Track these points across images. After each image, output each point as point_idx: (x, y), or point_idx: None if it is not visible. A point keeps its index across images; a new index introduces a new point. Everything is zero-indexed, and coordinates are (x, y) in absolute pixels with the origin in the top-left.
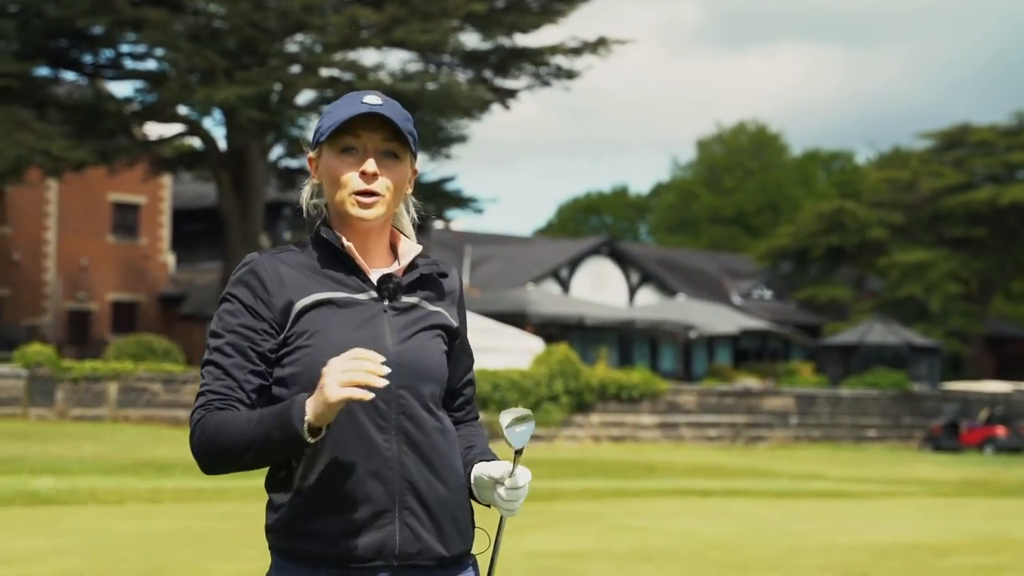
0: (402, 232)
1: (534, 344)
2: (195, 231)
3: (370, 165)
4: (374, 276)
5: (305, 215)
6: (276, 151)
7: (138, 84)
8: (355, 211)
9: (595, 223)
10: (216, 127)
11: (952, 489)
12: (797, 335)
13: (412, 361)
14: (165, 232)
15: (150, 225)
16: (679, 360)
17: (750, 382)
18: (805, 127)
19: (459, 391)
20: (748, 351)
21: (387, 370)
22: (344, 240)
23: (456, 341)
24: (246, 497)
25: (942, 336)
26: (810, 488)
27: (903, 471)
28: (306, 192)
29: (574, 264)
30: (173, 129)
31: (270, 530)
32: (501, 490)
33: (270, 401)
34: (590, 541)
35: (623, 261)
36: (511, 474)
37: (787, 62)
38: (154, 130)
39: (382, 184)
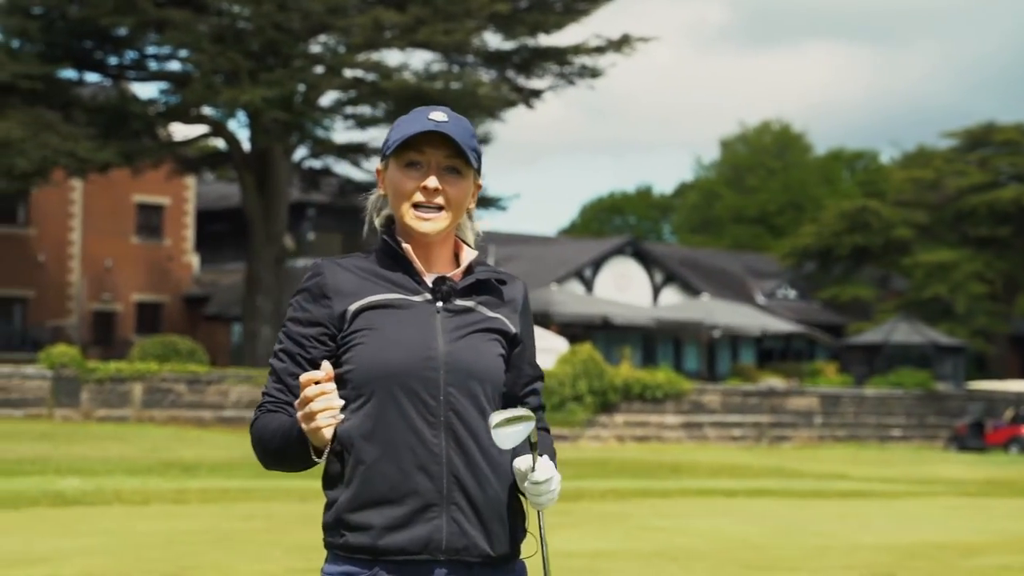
0: (465, 242)
1: (558, 344)
2: (219, 232)
3: (432, 181)
4: (431, 280)
5: (368, 223)
6: (300, 152)
7: (162, 85)
8: (416, 224)
9: (619, 223)
10: (240, 128)
11: (977, 489)
12: (821, 335)
13: (462, 361)
14: (189, 233)
15: (174, 226)
16: (703, 360)
17: (774, 382)
18: (831, 127)
19: (521, 399)
20: (772, 351)
21: (320, 375)
22: (402, 243)
23: (516, 348)
24: (271, 497)
25: (967, 335)
26: (835, 488)
27: (928, 471)
28: (371, 201)
29: (598, 264)
30: (197, 130)
31: (324, 526)
32: (526, 483)
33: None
34: (615, 541)
35: (647, 261)
36: (532, 469)
37: (813, 62)
38: (178, 131)
39: (443, 199)
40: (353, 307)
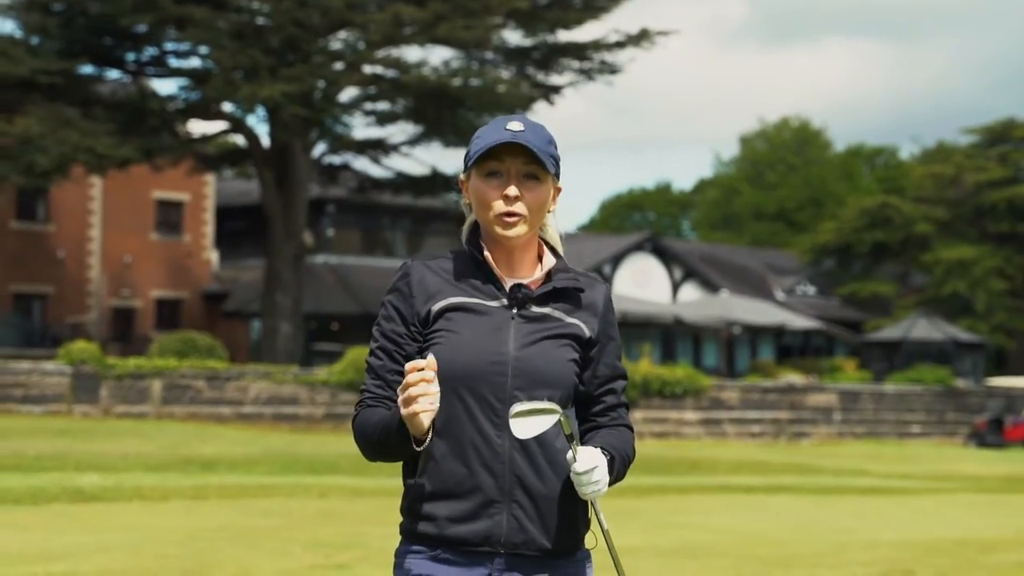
0: (550, 243)
1: None
2: (238, 228)
3: (512, 190)
4: (509, 286)
5: (464, 231)
6: (319, 148)
7: (182, 82)
8: (500, 231)
9: (638, 219)
10: (259, 124)
11: (997, 485)
12: (841, 331)
13: (530, 365)
14: (208, 229)
15: (194, 222)
16: (722, 356)
17: (793, 378)
18: (850, 123)
19: (596, 398)
20: (791, 347)
21: (423, 363)
22: (485, 251)
23: (592, 351)
24: (291, 494)
25: (987, 332)
26: (854, 484)
27: (947, 467)
28: (465, 210)
29: (617, 260)
30: (217, 127)
31: (400, 510)
32: (571, 474)
33: None
34: (634, 538)
35: (666, 257)
36: (573, 459)
37: (832, 58)
38: (198, 128)
39: (523, 206)
40: (435, 307)
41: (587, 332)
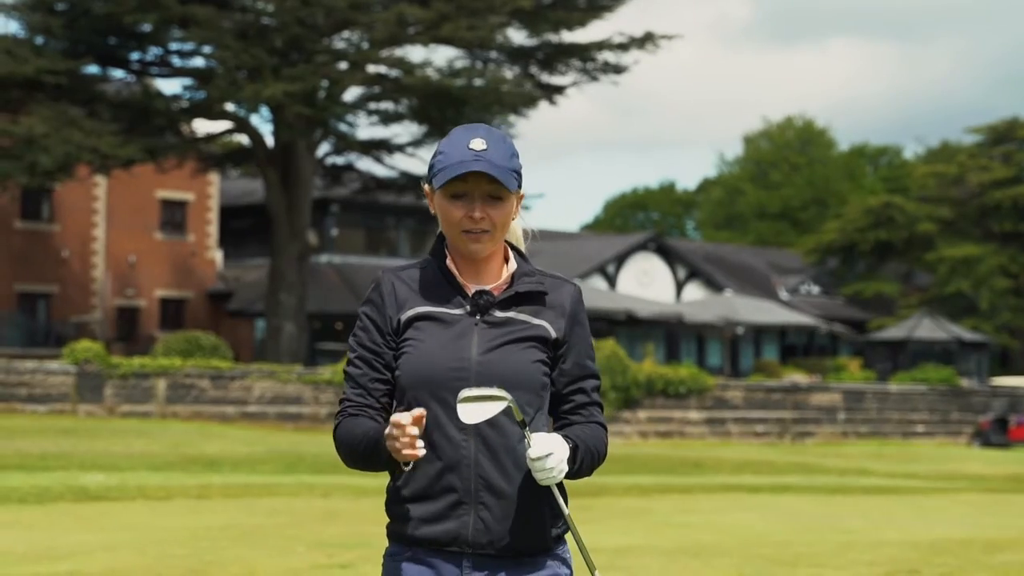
0: (518, 249)
1: None
2: (243, 228)
3: (477, 212)
4: (472, 292)
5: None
6: (323, 148)
7: (186, 81)
8: (466, 247)
9: (642, 219)
10: (263, 124)
11: (1001, 485)
12: (844, 331)
13: (492, 370)
14: (213, 229)
15: (198, 222)
16: (726, 356)
17: (797, 378)
18: (854, 123)
19: (566, 396)
20: (795, 347)
21: (407, 420)
22: (448, 260)
23: (560, 350)
24: (295, 493)
25: (991, 331)
26: (858, 484)
27: (952, 467)
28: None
29: (621, 260)
30: (221, 126)
31: (386, 513)
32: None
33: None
34: (638, 537)
35: (670, 257)
36: (528, 446)
37: (836, 58)
38: (202, 127)
39: (488, 223)
40: (404, 317)
41: (553, 333)
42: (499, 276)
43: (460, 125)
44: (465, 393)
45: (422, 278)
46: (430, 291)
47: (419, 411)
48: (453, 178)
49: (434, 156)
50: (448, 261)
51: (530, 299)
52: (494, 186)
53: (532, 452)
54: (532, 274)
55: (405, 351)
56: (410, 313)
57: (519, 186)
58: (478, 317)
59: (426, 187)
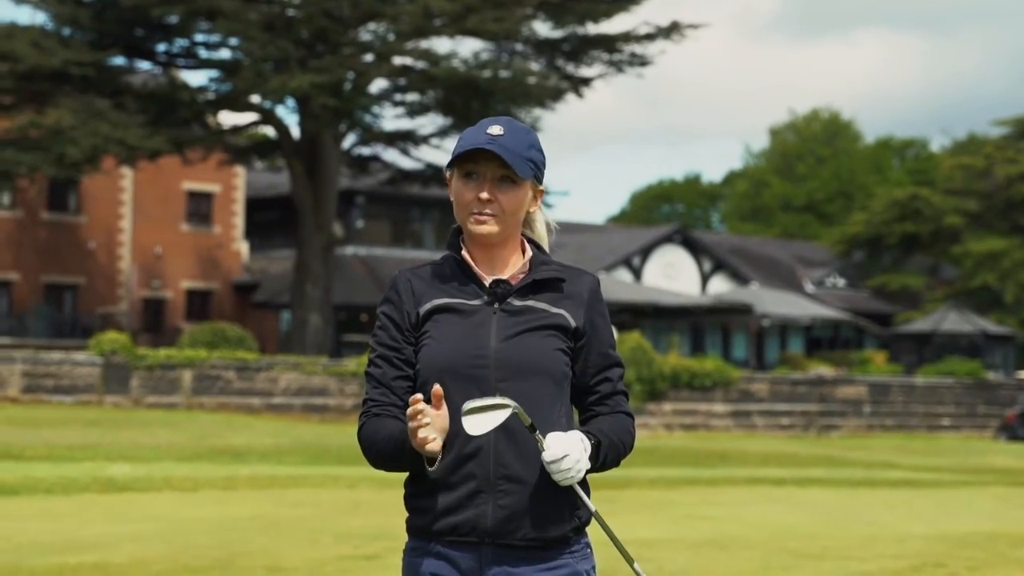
0: (536, 241)
1: None
2: (268, 219)
3: (484, 193)
4: (490, 282)
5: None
6: (349, 139)
7: (212, 73)
8: (472, 228)
9: (667, 211)
10: (289, 116)
11: None
12: (870, 324)
13: (512, 358)
14: (239, 220)
15: (224, 213)
16: (751, 348)
17: (823, 370)
18: (881, 116)
19: (591, 388)
20: (821, 340)
21: (420, 398)
22: (463, 252)
23: (581, 341)
24: (321, 484)
25: (1017, 324)
26: (884, 477)
27: (978, 460)
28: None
29: (646, 252)
30: (247, 118)
31: (405, 508)
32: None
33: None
34: (664, 529)
35: (695, 249)
36: (541, 449)
37: (863, 50)
38: (228, 119)
39: (496, 207)
40: (423, 311)
41: (572, 321)
42: (515, 266)
43: (487, 117)
44: (469, 405)
45: (438, 273)
46: (447, 283)
47: (435, 388)
48: (464, 159)
49: (457, 142)
50: (464, 252)
51: (548, 287)
52: (505, 170)
53: (546, 455)
54: (549, 263)
55: (424, 343)
56: (428, 306)
57: (537, 178)
58: (496, 306)
59: (447, 175)
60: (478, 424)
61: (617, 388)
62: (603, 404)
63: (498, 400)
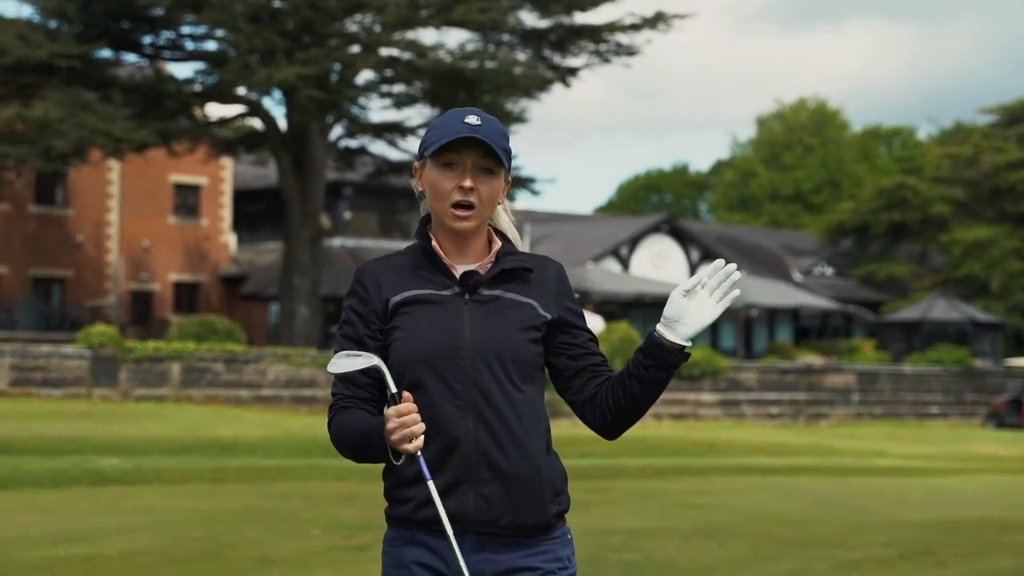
0: (503, 232)
1: (594, 322)
2: (256, 211)
3: (468, 181)
4: (459, 273)
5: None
6: (336, 131)
7: (199, 65)
8: (453, 223)
9: (655, 201)
10: (276, 108)
11: (1016, 465)
12: (859, 312)
13: (487, 346)
14: (226, 213)
15: (211, 206)
16: (740, 338)
17: (811, 359)
18: (871, 106)
19: (586, 367)
20: (809, 328)
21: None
22: (433, 242)
23: (558, 327)
24: (309, 476)
25: (1005, 312)
26: (873, 465)
27: (966, 448)
28: (419, 198)
29: (634, 242)
30: (233, 110)
31: (384, 498)
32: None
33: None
34: (654, 519)
35: (683, 239)
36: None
37: (853, 40)
38: (215, 111)
39: (476, 196)
40: (392, 303)
41: (541, 308)
42: (482, 256)
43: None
44: (337, 358)
45: (405, 263)
46: (416, 274)
47: (406, 397)
48: (446, 148)
49: (426, 133)
50: (433, 243)
51: (516, 277)
52: (487, 159)
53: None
54: (515, 253)
55: (396, 336)
56: (398, 298)
57: (509, 169)
58: (467, 296)
59: (415, 165)
60: (338, 365)
61: (603, 356)
62: (601, 374)
63: (366, 357)
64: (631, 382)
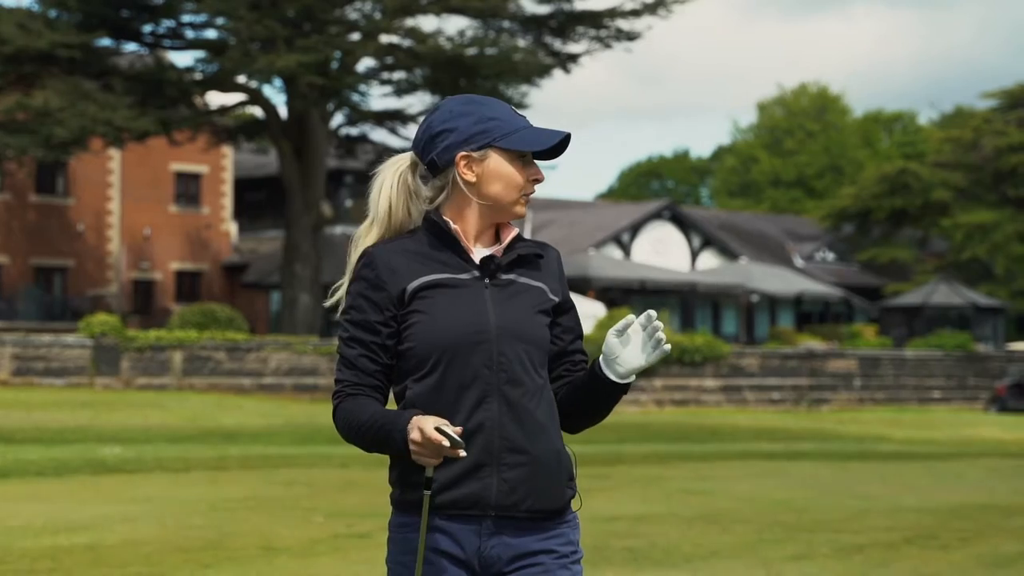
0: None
1: (596, 309)
2: (257, 200)
3: (540, 174)
4: (477, 257)
5: (431, 207)
6: (337, 119)
7: (199, 54)
8: (520, 210)
9: (656, 187)
10: (277, 95)
11: (1019, 450)
12: (860, 298)
13: (511, 330)
14: (227, 201)
15: (212, 194)
16: (741, 323)
17: (813, 344)
18: (875, 91)
19: (572, 353)
20: (811, 314)
21: (451, 446)
22: (452, 224)
23: (561, 312)
24: (312, 463)
25: (1007, 296)
26: (875, 450)
27: (968, 432)
28: (461, 184)
29: (636, 228)
30: (234, 98)
31: (391, 484)
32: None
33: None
34: (656, 504)
35: (685, 225)
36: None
37: (857, 25)
38: (215, 99)
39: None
40: (410, 287)
41: (550, 292)
42: (491, 241)
43: (467, 94)
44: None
45: (418, 247)
46: (432, 259)
47: (456, 432)
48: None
49: (485, 121)
50: (454, 226)
51: (529, 262)
52: (539, 154)
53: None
54: (525, 239)
55: (416, 321)
56: (416, 283)
57: None
58: (487, 280)
59: (465, 153)
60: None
61: (586, 352)
62: (580, 366)
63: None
64: (581, 394)
